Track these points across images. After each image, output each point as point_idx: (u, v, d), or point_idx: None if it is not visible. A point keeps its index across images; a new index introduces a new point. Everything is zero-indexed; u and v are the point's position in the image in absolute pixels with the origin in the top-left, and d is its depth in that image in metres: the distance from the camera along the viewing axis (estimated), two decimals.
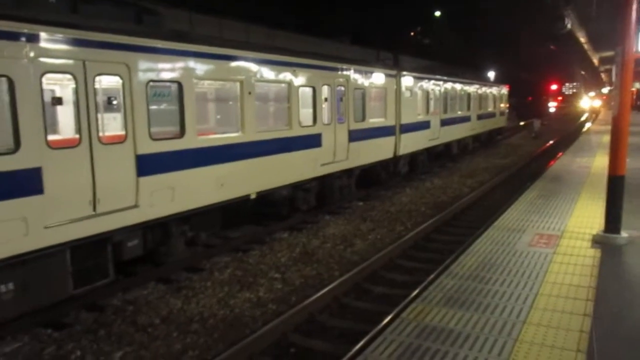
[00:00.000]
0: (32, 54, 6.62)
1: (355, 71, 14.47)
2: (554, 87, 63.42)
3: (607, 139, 7.79)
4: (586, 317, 4.93)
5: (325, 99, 13.17)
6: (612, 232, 7.43)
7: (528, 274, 6.21)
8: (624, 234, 7.45)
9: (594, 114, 59.57)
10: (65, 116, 7.92)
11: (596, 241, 7.47)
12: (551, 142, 33.44)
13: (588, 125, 37.16)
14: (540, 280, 5.98)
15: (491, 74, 42.13)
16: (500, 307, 5.26)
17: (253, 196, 10.82)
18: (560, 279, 6.01)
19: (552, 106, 66.96)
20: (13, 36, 6.40)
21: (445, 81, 22.32)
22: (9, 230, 6.44)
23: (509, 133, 39.47)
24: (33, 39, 6.63)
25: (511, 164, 24.27)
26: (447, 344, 4.48)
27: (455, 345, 4.45)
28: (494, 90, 32.51)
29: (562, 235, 7.89)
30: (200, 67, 9.24)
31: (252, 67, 10.52)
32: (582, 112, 69.52)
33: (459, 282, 5.97)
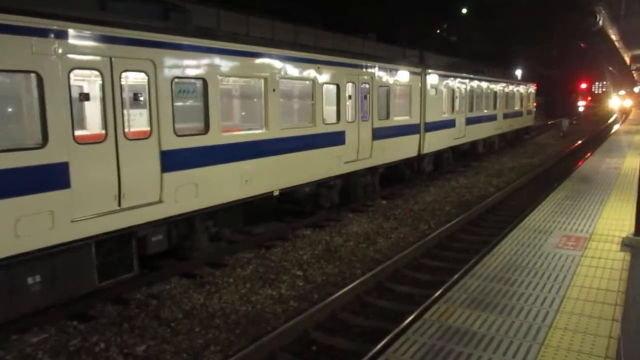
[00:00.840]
0: (60, 51, 6.71)
1: (380, 68, 14.36)
2: (583, 85, 61.99)
3: (638, 138, 7.56)
4: (615, 322, 4.80)
5: (349, 97, 13.10)
6: None
7: (555, 277, 6.08)
8: None
9: (624, 114, 56.46)
10: (91, 112, 8.02)
11: (626, 244, 7.28)
12: (580, 141, 32.80)
13: (616, 127, 35.79)
14: (567, 283, 5.85)
15: (518, 72, 41.47)
16: (525, 310, 5.15)
17: (276, 193, 10.84)
18: (589, 283, 5.86)
19: (581, 105, 65.39)
20: (42, 33, 6.50)
21: (471, 79, 22.04)
22: (37, 223, 6.55)
23: (536, 132, 38.81)
24: (61, 35, 6.73)
25: (539, 163, 23.87)
26: (470, 346, 4.40)
27: (479, 348, 4.37)
28: (521, 88, 32.00)
29: (590, 238, 7.71)
30: (224, 64, 9.27)
31: (276, 64, 10.51)
32: (611, 113, 64.78)
33: (483, 283, 5.87)
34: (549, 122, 47.85)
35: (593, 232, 8.05)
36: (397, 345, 4.38)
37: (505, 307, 5.20)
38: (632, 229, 7.47)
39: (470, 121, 21.80)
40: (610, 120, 53.72)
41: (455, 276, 8.84)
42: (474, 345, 4.41)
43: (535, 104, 36.55)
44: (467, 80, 21.55)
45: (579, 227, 8.33)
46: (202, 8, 21.11)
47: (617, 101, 73.53)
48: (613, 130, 24.60)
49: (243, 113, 11.13)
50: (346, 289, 8.35)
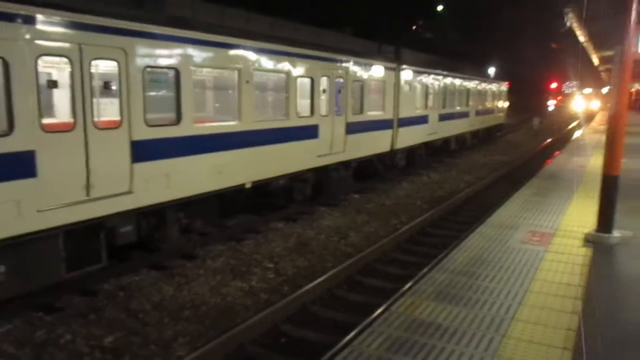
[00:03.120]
0: (27, 36, 6.57)
1: (355, 63, 14.41)
2: (553, 85, 63.10)
3: (604, 138, 7.76)
4: (574, 315, 4.94)
5: (324, 91, 13.13)
6: (604, 232, 7.44)
7: (519, 271, 6.23)
8: (616, 233, 7.46)
9: (589, 119, 42.48)
10: (60, 100, 7.89)
11: (588, 240, 7.48)
12: (550, 139, 33.43)
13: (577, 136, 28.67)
14: (531, 278, 6.00)
15: (492, 71, 42.03)
16: (489, 302, 5.27)
17: (248, 185, 10.81)
18: (551, 277, 6.02)
19: (551, 104, 66.24)
20: (9, 17, 6.35)
21: (444, 76, 22.27)
22: (1, 213, 6.43)
23: (507, 130, 39.44)
24: (29, 20, 6.59)
25: (509, 160, 24.29)
26: (434, 337, 4.49)
27: (443, 340, 4.46)
28: (494, 86, 32.47)
29: (555, 234, 7.90)
30: (198, 54, 9.19)
31: (251, 55, 10.46)
32: (573, 117, 51.69)
33: (450, 276, 5.98)
34: (520, 121, 48.67)
35: (558, 228, 8.25)
36: (363, 336, 4.45)
37: (470, 300, 5.31)
38: (595, 226, 7.68)
39: (443, 117, 22.05)
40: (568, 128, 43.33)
41: (425, 270, 8.96)
42: (438, 337, 4.50)
43: (507, 102, 37.12)
44: (440, 77, 21.77)
45: (544, 224, 8.53)
46: None
47: (581, 102, 60.47)
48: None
49: (216, 104, 11.07)
50: (316, 281, 8.40)
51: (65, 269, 7.48)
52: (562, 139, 31.64)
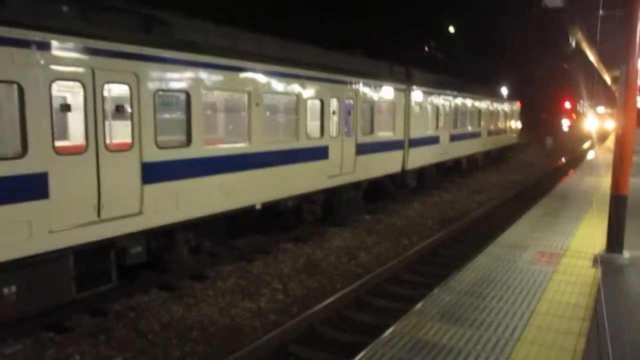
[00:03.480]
0: (42, 62, 6.76)
1: (364, 84, 14.54)
2: (567, 105, 62.70)
3: None
4: (581, 336, 4.90)
5: (334, 112, 13.24)
6: (613, 252, 7.38)
7: (526, 292, 6.19)
8: (625, 254, 7.40)
9: (602, 138, 44.00)
10: (73, 123, 8.07)
11: (597, 260, 7.41)
12: (563, 159, 33.22)
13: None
14: (538, 299, 5.96)
15: (504, 90, 42.05)
16: (495, 323, 5.24)
17: (258, 206, 10.88)
18: (558, 298, 5.98)
19: (566, 124, 65.66)
20: (23, 43, 6.54)
21: (455, 96, 22.33)
22: (13, 233, 6.54)
23: (520, 150, 39.26)
24: (43, 46, 6.78)
25: (521, 180, 24.14)
26: (437, 359, 4.47)
27: None
28: (506, 106, 32.42)
29: (564, 254, 7.84)
30: (208, 77, 9.36)
31: (260, 78, 10.62)
32: (587, 137, 51.51)
33: (456, 297, 5.96)
34: (533, 140, 48.41)
35: (567, 248, 8.20)
36: (364, 357, 4.44)
37: (476, 321, 5.29)
38: (604, 246, 7.62)
39: (454, 138, 22.05)
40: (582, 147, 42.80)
41: (435, 290, 8.89)
42: (441, 358, 4.49)
43: (519, 122, 37.00)
44: (451, 97, 21.83)
45: (553, 244, 8.47)
46: (189, 22, 21.24)
47: (594, 122, 56.38)
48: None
49: (226, 126, 11.19)
50: (325, 302, 8.39)
51: (75, 289, 7.56)
52: (575, 159, 31.42)
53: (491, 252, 7.93)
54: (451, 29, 47.37)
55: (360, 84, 14.34)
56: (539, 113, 59.45)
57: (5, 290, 6.71)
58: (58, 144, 7.19)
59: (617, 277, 6.90)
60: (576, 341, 4.82)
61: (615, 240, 7.38)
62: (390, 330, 7.01)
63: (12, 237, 6.54)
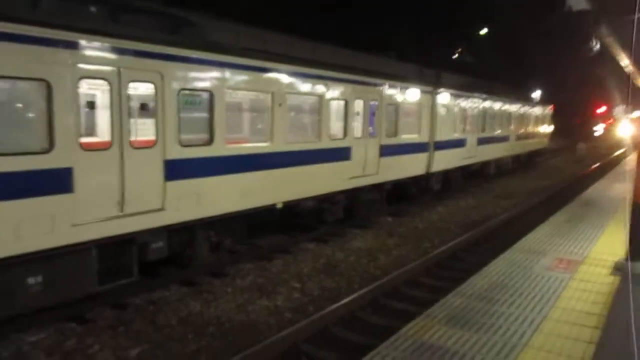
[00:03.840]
0: (70, 60, 6.99)
1: (390, 86, 14.53)
2: (601, 109, 61.13)
3: None
4: (590, 344, 4.85)
5: (357, 113, 13.27)
6: (634, 260, 7.24)
7: (539, 298, 6.14)
8: None
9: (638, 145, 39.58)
10: (98, 120, 8.29)
11: (617, 269, 7.29)
12: (594, 166, 32.48)
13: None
14: (551, 305, 5.90)
15: (537, 94, 41.37)
16: (503, 328, 5.22)
17: (279, 206, 10.99)
18: (572, 305, 5.91)
19: (599, 129, 63.99)
20: (53, 43, 6.78)
21: (484, 99, 22.08)
22: (38, 226, 6.78)
23: (550, 155, 38.54)
24: (71, 45, 7.01)
25: (549, 186, 23.72)
26: None
27: None
28: (537, 109, 31.89)
29: (583, 261, 7.73)
30: (231, 77, 9.50)
31: (284, 79, 10.73)
32: (620, 143, 47.63)
33: (467, 301, 5.95)
34: (564, 146, 47.39)
35: (587, 255, 8.07)
36: (368, 358, 4.49)
37: (484, 325, 5.27)
38: (625, 254, 7.48)
39: (481, 141, 21.81)
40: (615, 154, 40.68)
41: (449, 295, 8.85)
42: None
43: (550, 126, 36.32)
44: (480, 101, 21.60)
45: (573, 250, 8.36)
46: (217, 23, 21.53)
47: (628, 127, 49.63)
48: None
49: (249, 126, 11.33)
50: (340, 303, 8.43)
51: (98, 282, 7.79)
52: (607, 166, 30.67)
53: (508, 257, 7.87)
54: (483, 31, 46.81)
55: (386, 86, 14.34)
56: (572, 118, 58.21)
57: (31, 280, 6.95)
58: (83, 140, 7.41)
59: (636, 285, 6.76)
60: (585, 349, 4.77)
61: (635, 249, 7.24)
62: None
63: (37, 229, 6.77)
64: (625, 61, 16.16)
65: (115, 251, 8.00)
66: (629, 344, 4.99)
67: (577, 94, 54.23)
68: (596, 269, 7.37)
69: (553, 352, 4.73)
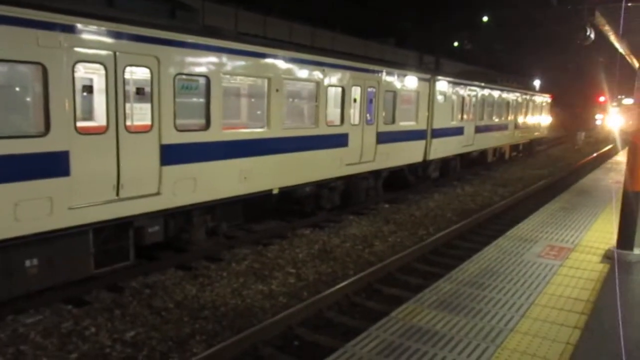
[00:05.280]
0: (65, 44, 7.00)
1: (387, 73, 14.52)
2: (602, 98, 60.97)
3: None
4: (576, 329, 4.93)
5: (355, 100, 13.29)
6: (624, 248, 7.32)
7: (528, 284, 6.22)
8: (636, 250, 7.32)
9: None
10: (94, 104, 8.33)
11: (607, 256, 7.37)
12: (594, 155, 32.53)
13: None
14: (540, 291, 5.98)
15: (537, 83, 41.27)
16: (491, 313, 5.31)
17: (275, 191, 11.05)
18: (560, 291, 5.99)
19: (599, 118, 64.06)
20: (48, 26, 6.79)
21: (482, 87, 22.07)
22: (35, 208, 6.84)
23: (549, 144, 38.56)
24: (67, 29, 7.02)
25: (547, 175, 23.79)
26: (428, 344, 4.57)
27: (436, 347, 4.54)
28: (536, 98, 31.86)
29: (574, 249, 7.81)
30: (228, 62, 9.51)
31: (281, 64, 10.73)
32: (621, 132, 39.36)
33: (457, 287, 6.03)
34: (564, 135, 47.43)
35: (578, 243, 8.15)
36: (358, 339, 4.57)
37: (472, 310, 5.36)
38: (616, 242, 7.56)
39: (479, 129, 21.84)
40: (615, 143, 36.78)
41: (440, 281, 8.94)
42: (432, 344, 4.58)
43: (550, 115, 36.30)
44: (478, 89, 21.59)
45: (565, 238, 8.43)
46: (220, 7, 21.44)
47: (617, 118, 46.42)
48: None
49: (245, 111, 11.37)
50: (335, 288, 8.53)
51: (94, 265, 7.87)
52: (606, 155, 30.73)
53: (500, 244, 7.94)
54: (485, 19, 46.60)
55: (383, 73, 14.33)
56: (572, 107, 58.17)
57: (28, 263, 7.04)
58: (80, 124, 7.45)
59: (624, 273, 6.84)
60: (570, 333, 4.86)
61: (626, 237, 7.31)
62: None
63: (34, 212, 6.84)
64: (622, 50, 16.21)
65: (112, 235, 8.09)
66: (615, 329, 5.07)
67: (577, 82, 54.15)
68: (587, 256, 7.45)
69: (539, 336, 4.81)
